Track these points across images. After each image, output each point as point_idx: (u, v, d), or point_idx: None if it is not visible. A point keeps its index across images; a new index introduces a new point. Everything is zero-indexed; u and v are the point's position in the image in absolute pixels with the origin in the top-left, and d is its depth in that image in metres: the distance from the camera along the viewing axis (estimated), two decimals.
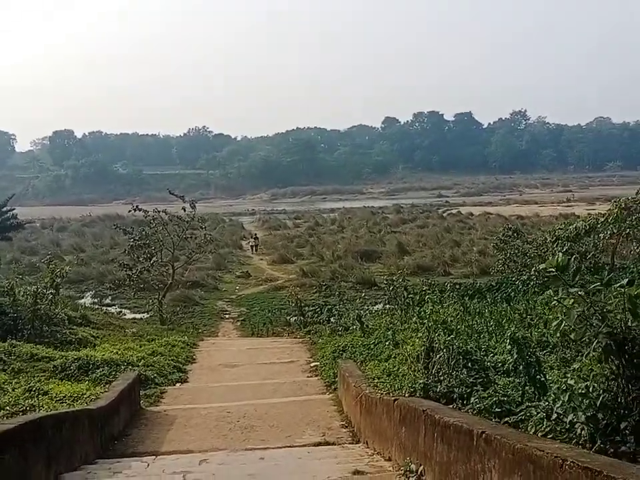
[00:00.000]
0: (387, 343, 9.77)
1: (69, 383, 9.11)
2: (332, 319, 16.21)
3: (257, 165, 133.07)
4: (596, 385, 3.63)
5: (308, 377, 10.47)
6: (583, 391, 3.68)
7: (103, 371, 9.94)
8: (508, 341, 5.68)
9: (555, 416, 3.82)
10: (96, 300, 24.94)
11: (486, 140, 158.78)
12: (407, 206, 70.10)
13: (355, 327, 12.98)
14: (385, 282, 18.92)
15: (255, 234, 42.13)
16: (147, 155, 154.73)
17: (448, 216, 53.06)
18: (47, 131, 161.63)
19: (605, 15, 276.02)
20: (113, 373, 9.94)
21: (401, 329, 11.36)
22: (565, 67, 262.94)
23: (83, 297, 25.61)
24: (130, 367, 10.30)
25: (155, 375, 10.28)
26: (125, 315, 22.20)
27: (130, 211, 19.22)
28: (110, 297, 25.20)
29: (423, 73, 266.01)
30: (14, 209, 25.17)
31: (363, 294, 22.18)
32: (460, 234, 39.49)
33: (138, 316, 21.82)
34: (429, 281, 20.89)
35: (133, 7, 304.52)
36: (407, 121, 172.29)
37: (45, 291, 12.45)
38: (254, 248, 39.36)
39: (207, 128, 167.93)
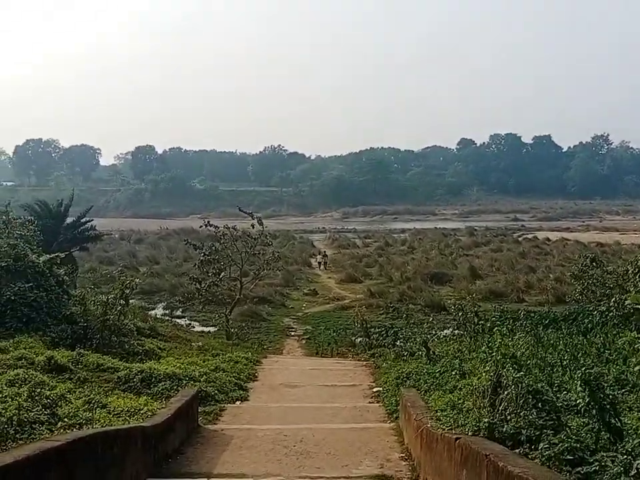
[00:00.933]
0: (453, 373, 9.36)
1: (130, 395, 9.18)
2: (397, 343, 15.81)
3: (329, 184, 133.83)
4: None
5: (369, 402, 10.17)
6: None
7: (164, 384, 9.98)
8: (579, 381, 5.28)
9: (634, 472, 3.44)
10: (167, 311, 25.44)
11: (565, 164, 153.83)
12: (480, 229, 68.59)
13: (420, 352, 12.59)
14: (455, 306, 18.38)
15: (324, 251, 42.84)
16: (224, 172, 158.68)
17: (523, 240, 51.51)
18: (130, 146, 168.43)
19: None
20: (175, 387, 9.97)
21: (469, 357, 10.94)
22: None
23: (155, 308, 26.31)
24: (192, 382, 10.31)
25: (216, 391, 10.23)
26: (194, 327, 22.51)
27: (201, 227, 19.54)
28: (180, 309, 25.63)
29: (501, 94, 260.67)
30: (92, 220, 26.04)
31: (431, 318, 21.78)
32: (536, 260, 38.20)
33: (206, 329, 22.09)
34: (501, 307, 20.27)
35: (206, 23, 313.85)
36: (483, 143, 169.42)
37: (114, 301, 12.70)
38: (321, 265, 39.78)
39: (282, 146, 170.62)
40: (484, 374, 7.03)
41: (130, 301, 26.36)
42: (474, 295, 20.09)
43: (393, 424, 8.54)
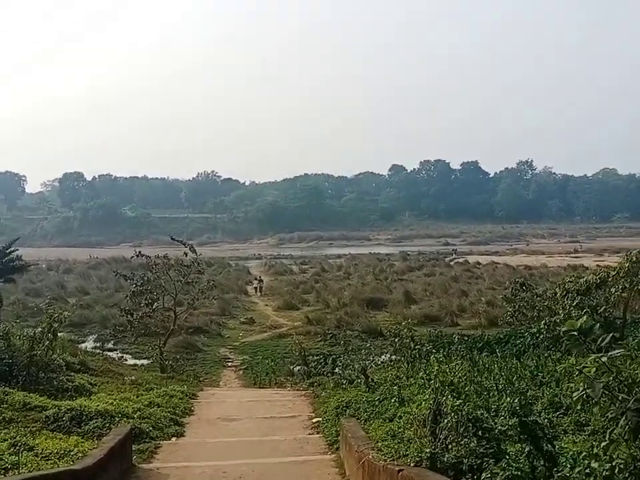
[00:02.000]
0: (392, 400, 9.37)
1: (60, 435, 8.75)
2: (336, 370, 15.76)
3: (264, 210, 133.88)
4: (622, 467, 3.28)
5: (309, 434, 10.01)
6: (607, 474, 3.33)
7: (96, 422, 9.56)
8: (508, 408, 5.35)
9: None
10: (98, 344, 24.55)
11: (492, 189, 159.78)
12: (413, 253, 69.89)
13: (359, 380, 12.57)
14: (391, 332, 18.49)
15: (260, 277, 43.34)
16: (156, 199, 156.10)
17: (455, 265, 52.71)
18: (57, 173, 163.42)
19: (611, 66, 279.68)
20: (107, 425, 9.56)
21: (407, 384, 10.99)
22: (570, 118, 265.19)
23: (85, 341, 25.38)
24: (125, 418, 9.91)
25: (150, 427, 9.86)
26: (127, 360, 21.79)
27: (132, 257, 19.02)
28: (112, 342, 24.79)
29: (430, 122, 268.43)
30: (17, 250, 24.95)
31: (369, 344, 21.88)
32: (467, 283, 39.12)
33: (139, 362, 21.41)
34: (436, 332, 20.60)
35: (136, 54, 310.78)
36: (414, 169, 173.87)
37: (42, 335, 12.12)
38: (257, 290, 39.98)
39: (216, 172, 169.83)
40: (423, 402, 7.07)
41: (59, 334, 25.56)
42: (409, 320, 20.28)
43: (333, 455, 8.42)
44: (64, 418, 9.53)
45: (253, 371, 19.52)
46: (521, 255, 65.67)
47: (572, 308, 15.50)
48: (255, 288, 40.23)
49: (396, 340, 16.07)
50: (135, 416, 10.17)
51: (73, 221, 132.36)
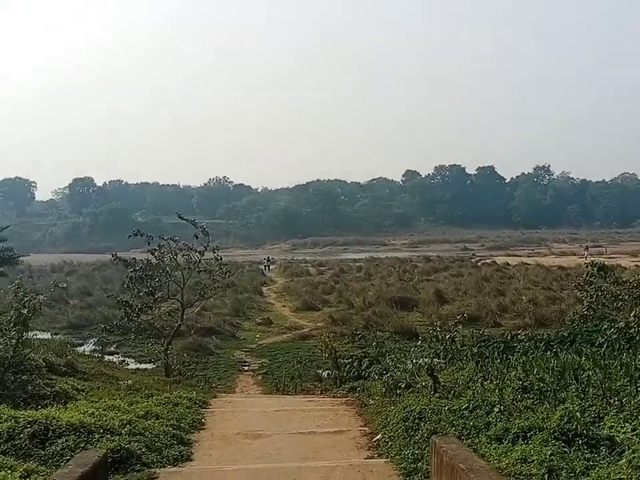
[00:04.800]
0: (494, 410, 6.44)
1: (10, 462, 5.92)
2: (385, 373, 12.78)
3: (276, 215, 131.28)
4: None
5: (369, 457, 7.07)
6: None
7: (66, 441, 6.72)
8: None
9: None
10: (98, 347, 21.85)
11: (509, 194, 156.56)
12: (433, 257, 66.70)
13: (421, 383, 9.63)
14: (433, 332, 15.87)
15: (269, 256, 51.35)
16: (167, 205, 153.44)
17: (482, 265, 49.53)
18: (69, 180, 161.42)
19: (626, 71, 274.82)
20: (82, 444, 6.73)
21: (489, 387, 8.13)
22: (588, 123, 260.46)
23: (84, 344, 22.72)
24: (108, 435, 7.05)
25: (144, 448, 6.92)
26: (128, 364, 19.12)
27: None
28: (115, 345, 22.07)
29: (445, 127, 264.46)
30: (6, 240, 22.24)
31: (403, 345, 19.24)
32: (500, 283, 35.98)
33: (143, 366, 18.75)
34: (480, 332, 17.78)
35: (150, 61, 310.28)
36: (429, 174, 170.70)
37: (7, 325, 9.29)
38: (267, 268, 47.48)
39: (228, 178, 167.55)
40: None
41: (56, 336, 22.75)
42: (457, 319, 17.96)
43: None
44: (22, 435, 6.70)
45: (274, 376, 16.67)
46: (551, 256, 62.26)
47: None
48: (266, 266, 46.46)
49: (441, 340, 13.97)
50: (123, 431, 7.27)
51: (82, 226, 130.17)
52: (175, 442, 7.64)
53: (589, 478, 4.30)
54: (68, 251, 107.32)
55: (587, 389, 6.89)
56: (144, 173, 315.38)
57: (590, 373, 6.96)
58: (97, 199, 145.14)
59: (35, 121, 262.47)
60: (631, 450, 4.49)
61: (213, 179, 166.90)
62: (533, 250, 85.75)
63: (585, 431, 5.05)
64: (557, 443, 4.91)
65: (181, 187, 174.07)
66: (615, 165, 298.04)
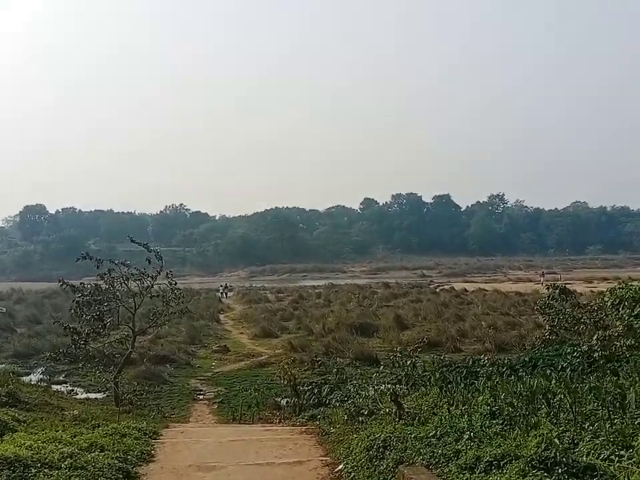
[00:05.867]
0: (464, 437, 6.08)
1: None
2: (347, 400, 12.29)
3: (234, 243, 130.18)
4: None
5: None
6: None
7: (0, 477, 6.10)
8: None
9: None
10: (46, 377, 20.86)
11: (465, 222, 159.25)
12: (391, 284, 66.79)
13: (384, 410, 9.22)
14: (393, 358, 15.62)
15: (226, 283, 55.41)
16: (122, 232, 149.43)
17: (441, 291, 49.72)
18: (19, 208, 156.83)
19: (581, 103, 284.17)
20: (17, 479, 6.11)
21: (453, 414, 7.80)
22: (540, 152, 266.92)
23: (31, 373, 21.67)
24: (46, 469, 6.43)
25: None
26: (77, 394, 18.25)
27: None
28: (64, 374, 21.11)
29: (399, 157, 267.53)
30: None
31: (364, 371, 18.84)
32: (459, 309, 36.05)
33: (93, 395, 17.92)
34: (441, 358, 17.62)
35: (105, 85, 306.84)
36: (386, 202, 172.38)
37: None
38: (225, 295, 50.33)
39: (184, 206, 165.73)
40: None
41: None
42: (417, 344, 17.76)
43: None
44: None
45: (231, 405, 16.05)
46: (507, 282, 63.00)
47: (632, 318, 12.59)
48: (222, 293, 49.79)
49: (403, 366, 13.81)
50: (63, 465, 6.65)
51: (33, 254, 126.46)
52: (121, 476, 7.03)
53: None
54: (18, 279, 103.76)
55: (559, 414, 6.62)
56: (98, 201, 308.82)
57: (561, 397, 6.69)
58: (49, 226, 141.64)
59: None
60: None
61: (170, 207, 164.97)
62: (489, 277, 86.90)
63: (564, 459, 4.72)
64: (537, 473, 4.55)
65: (137, 214, 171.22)
66: (568, 194, 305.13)
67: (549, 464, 4.69)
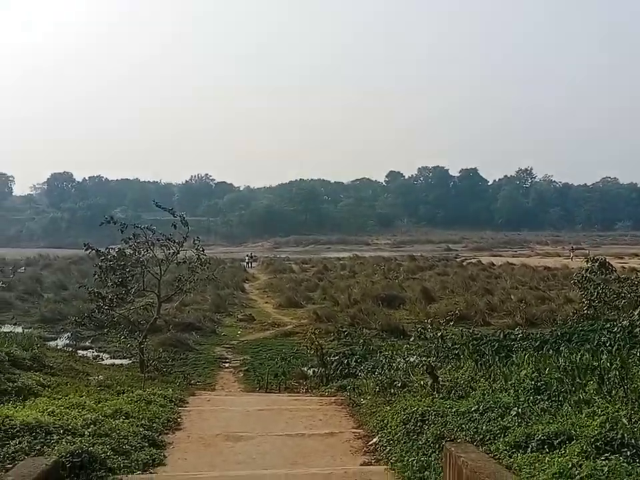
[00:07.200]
0: (511, 413, 5.66)
1: None
2: (375, 371, 11.94)
3: (259, 214, 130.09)
4: None
5: (366, 462, 6.25)
6: None
7: (20, 443, 5.84)
8: None
9: None
10: (72, 342, 20.88)
11: (492, 196, 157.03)
12: (417, 256, 66.10)
13: (418, 382, 8.84)
14: (422, 330, 15.30)
15: (251, 253, 55.09)
16: (148, 201, 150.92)
17: (468, 265, 49.03)
18: (47, 175, 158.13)
19: (612, 83, 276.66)
20: (38, 446, 5.85)
21: (494, 387, 7.38)
22: (571, 129, 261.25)
23: (57, 338, 21.73)
24: (69, 436, 6.17)
25: (109, 452, 6.05)
26: (103, 359, 18.18)
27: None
28: (90, 339, 21.11)
29: (430, 130, 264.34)
30: None
31: (391, 343, 18.49)
32: (487, 282, 35.46)
33: (118, 361, 17.80)
34: (470, 331, 17.21)
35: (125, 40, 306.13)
36: (412, 175, 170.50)
37: None
38: (250, 265, 50.17)
39: (210, 176, 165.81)
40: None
41: (27, 330, 21.70)
42: (446, 317, 17.41)
43: None
44: None
45: (257, 373, 15.80)
46: (536, 256, 61.93)
47: None
48: (248, 262, 50.85)
49: (433, 339, 13.55)
50: (87, 432, 6.38)
51: (60, 221, 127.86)
52: (146, 444, 6.76)
53: None
54: (46, 245, 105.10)
55: (611, 391, 6.17)
56: (125, 169, 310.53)
57: (615, 373, 6.23)
58: (76, 194, 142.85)
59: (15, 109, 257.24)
60: None
61: (195, 176, 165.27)
62: (516, 251, 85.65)
63: (632, 440, 4.27)
64: (604, 455, 4.12)
65: (162, 184, 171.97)
66: (597, 170, 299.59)
67: (615, 445, 4.26)
